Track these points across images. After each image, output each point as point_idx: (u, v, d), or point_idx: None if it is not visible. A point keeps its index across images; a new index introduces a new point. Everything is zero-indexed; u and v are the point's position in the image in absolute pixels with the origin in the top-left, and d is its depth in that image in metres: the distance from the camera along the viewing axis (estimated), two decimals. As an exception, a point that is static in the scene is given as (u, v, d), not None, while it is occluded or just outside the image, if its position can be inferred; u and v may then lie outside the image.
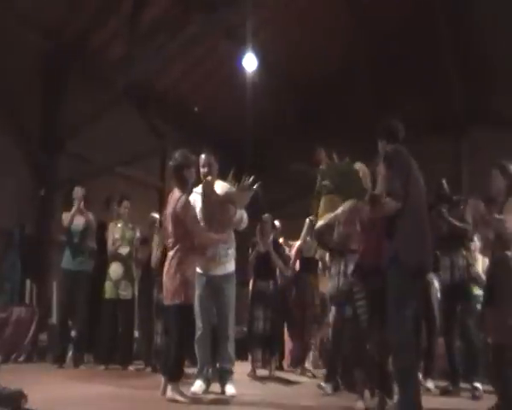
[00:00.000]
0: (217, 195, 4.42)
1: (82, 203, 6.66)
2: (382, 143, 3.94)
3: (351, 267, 4.61)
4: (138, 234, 6.89)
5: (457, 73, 10.07)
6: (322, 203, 4.29)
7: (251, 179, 4.44)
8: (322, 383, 5.01)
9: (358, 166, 4.30)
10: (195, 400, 4.24)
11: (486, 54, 9.92)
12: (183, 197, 4.20)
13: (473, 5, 9.92)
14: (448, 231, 5.39)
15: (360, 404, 4.03)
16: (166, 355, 4.39)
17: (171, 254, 4.24)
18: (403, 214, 3.53)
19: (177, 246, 4.19)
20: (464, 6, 9.97)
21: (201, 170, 4.73)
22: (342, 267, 4.93)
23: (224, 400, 4.40)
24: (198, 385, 4.56)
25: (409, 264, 3.48)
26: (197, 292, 4.44)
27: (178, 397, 4.07)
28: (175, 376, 4.14)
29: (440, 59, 9.98)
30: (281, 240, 7.22)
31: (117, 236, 6.70)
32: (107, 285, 6.58)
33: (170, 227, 4.25)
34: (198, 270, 4.49)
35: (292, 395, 5.10)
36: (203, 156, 4.79)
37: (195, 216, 4.29)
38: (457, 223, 5.37)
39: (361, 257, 4.12)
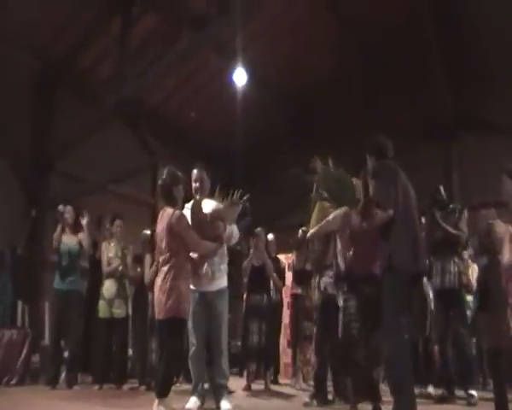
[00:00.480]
0: (205, 214, 4.39)
1: (68, 222, 6.58)
2: (371, 159, 3.97)
3: (324, 281, 4.95)
4: (129, 255, 6.83)
5: (447, 80, 10.11)
6: (314, 212, 4.29)
7: (238, 194, 4.42)
8: (307, 399, 5.04)
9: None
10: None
11: (476, 61, 9.98)
12: (177, 211, 4.21)
13: (463, 13, 10.02)
14: (441, 236, 5.42)
15: None
16: (157, 371, 4.32)
17: (165, 269, 4.16)
18: (394, 222, 3.56)
19: (172, 260, 4.14)
20: (454, 14, 10.07)
21: (193, 185, 4.71)
22: (317, 282, 5.13)
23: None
24: (193, 402, 4.51)
25: (403, 271, 3.50)
26: (190, 308, 4.40)
27: None
28: (162, 391, 4.04)
29: (430, 67, 10.02)
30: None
31: (111, 254, 6.66)
32: (101, 304, 6.51)
33: (163, 243, 4.19)
34: (191, 286, 4.44)
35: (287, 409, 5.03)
36: (195, 172, 4.77)
37: (190, 226, 4.25)
38: (451, 229, 5.38)
39: (351, 265, 4.11)
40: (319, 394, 5.00)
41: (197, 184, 4.70)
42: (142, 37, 9.12)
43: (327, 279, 4.98)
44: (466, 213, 5.56)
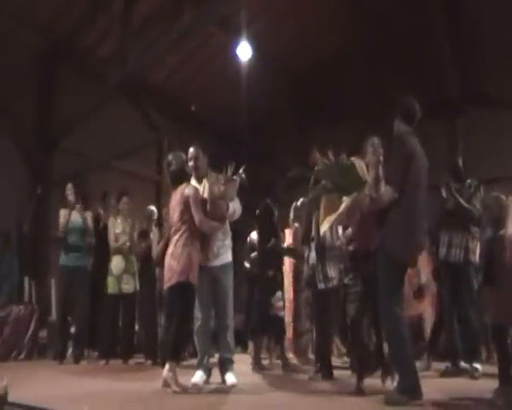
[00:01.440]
0: (204, 199, 4.49)
1: (75, 199, 6.60)
2: (397, 121, 3.91)
3: (312, 255, 5.13)
4: (135, 228, 6.87)
5: (452, 55, 10.00)
6: (322, 207, 4.29)
7: (232, 168, 4.49)
8: (312, 374, 5.12)
9: (353, 160, 4.32)
10: (194, 390, 4.23)
11: (482, 36, 9.85)
12: (191, 185, 4.46)
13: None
14: (453, 208, 5.37)
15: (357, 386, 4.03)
16: (166, 337, 4.41)
17: (176, 237, 4.37)
18: (395, 206, 3.60)
19: (184, 227, 4.34)
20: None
21: (189, 163, 4.72)
22: (306, 256, 5.28)
23: (223, 389, 4.37)
24: (199, 376, 4.55)
25: (392, 255, 3.58)
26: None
27: (173, 384, 4.05)
28: (173, 355, 4.15)
29: (435, 42, 9.91)
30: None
31: (118, 231, 6.70)
32: (110, 280, 6.57)
33: (176, 214, 4.39)
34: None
35: (294, 384, 5.07)
36: (191, 150, 4.78)
37: (200, 202, 4.40)
38: (463, 202, 5.34)
39: (354, 245, 4.13)
40: (322, 369, 5.04)
41: (193, 163, 4.72)
42: (144, 13, 9.03)
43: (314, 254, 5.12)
44: (482, 190, 5.51)
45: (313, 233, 5.16)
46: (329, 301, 5.13)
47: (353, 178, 3.77)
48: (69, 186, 6.64)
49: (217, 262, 4.64)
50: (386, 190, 3.68)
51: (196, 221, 4.33)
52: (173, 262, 4.30)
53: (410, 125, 3.86)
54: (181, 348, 4.19)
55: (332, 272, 5.09)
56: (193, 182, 4.67)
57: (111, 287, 6.56)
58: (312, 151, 4.95)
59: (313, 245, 5.16)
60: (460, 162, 5.73)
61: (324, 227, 4.11)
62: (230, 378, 4.52)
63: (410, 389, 3.41)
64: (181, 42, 9.01)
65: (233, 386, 4.43)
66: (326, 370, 5.04)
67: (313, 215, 5.09)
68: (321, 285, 5.09)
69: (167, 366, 4.11)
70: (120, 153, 9.48)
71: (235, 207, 4.65)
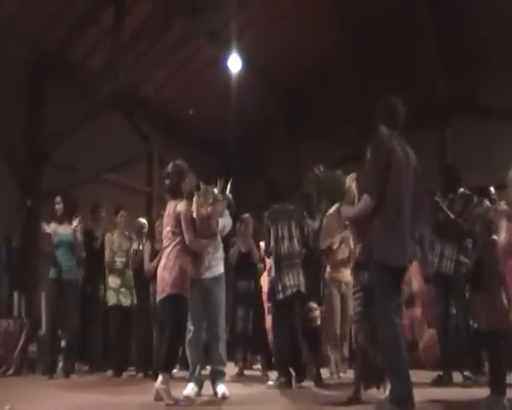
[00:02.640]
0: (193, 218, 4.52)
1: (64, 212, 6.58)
2: (381, 127, 3.80)
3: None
4: (135, 245, 6.86)
5: (441, 64, 10.11)
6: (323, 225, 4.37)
7: (221, 185, 4.61)
8: (271, 382, 5.25)
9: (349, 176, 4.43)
10: (186, 402, 4.21)
11: (471, 45, 9.97)
12: (183, 202, 4.44)
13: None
14: (444, 220, 5.40)
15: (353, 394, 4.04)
16: (159, 348, 4.53)
17: (168, 249, 4.40)
18: (378, 212, 3.54)
19: (176, 240, 4.35)
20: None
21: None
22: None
23: (215, 401, 4.35)
24: (190, 388, 4.53)
25: (382, 262, 3.52)
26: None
27: (165, 397, 4.02)
28: (166, 366, 4.14)
29: (424, 51, 10.01)
30: None
31: (115, 248, 6.76)
32: (109, 294, 6.68)
33: (168, 228, 4.43)
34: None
35: (286, 395, 5.05)
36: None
37: (191, 220, 4.44)
38: (451, 215, 5.36)
39: (359, 253, 4.15)
40: (281, 377, 5.15)
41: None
42: (134, 26, 9.06)
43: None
44: (474, 200, 5.38)
45: (271, 245, 5.31)
46: (289, 310, 5.22)
47: (335, 188, 3.78)
48: (58, 199, 6.61)
49: (208, 274, 4.67)
50: (362, 199, 3.63)
51: (186, 240, 4.35)
52: (165, 274, 4.31)
53: (393, 129, 3.76)
54: (174, 361, 4.15)
55: (291, 280, 5.19)
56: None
57: (111, 299, 6.66)
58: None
59: (272, 258, 5.33)
60: (453, 171, 5.72)
61: (324, 244, 4.18)
62: (222, 390, 4.49)
63: (403, 399, 3.33)
64: (171, 54, 9.06)
65: (225, 398, 4.41)
66: (286, 378, 5.11)
67: (271, 228, 5.32)
68: (279, 295, 5.20)
69: (160, 379, 4.08)
70: (111, 165, 9.45)
71: (224, 222, 4.76)
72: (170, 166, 4.55)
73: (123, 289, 6.67)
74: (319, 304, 5.66)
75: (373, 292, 3.60)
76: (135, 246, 6.84)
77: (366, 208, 3.59)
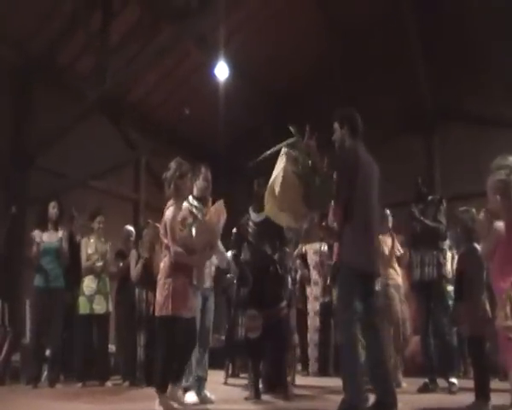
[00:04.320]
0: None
1: (53, 219, 6.49)
2: (342, 131, 3.88)
3: None
4: (108, 248, 6.78)
5: (428, 70, 10.18)
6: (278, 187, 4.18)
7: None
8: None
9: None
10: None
11: (457, 51, 10.04)
12: (172, 207, 4.07)
13: (443, 2, 10.10)
14: (420, 229, 5.47)
15: None
16: (150, 367, 4.48)
17: (161, 265, 4.13)
18: (347, 220, 3.60)
19: (167, 255, 4.02)
20: (434, 3, 10.14)
21: (203, 183, 4.73)
22: None
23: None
24: (191, 395, 4.48)
25: (351, 267, 3.57)
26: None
27: (173, 405, 3.91)
28: (161, 387, 3.96)
29: (411, 57, 10.07)
30: None
31: (90, 251, 6.61)
32: (81, 301, 6.46)
33: (163, 239, 4.11)
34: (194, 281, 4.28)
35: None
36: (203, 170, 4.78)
37: (175, 229, 4.00)
38: (429, 222, 5.44)
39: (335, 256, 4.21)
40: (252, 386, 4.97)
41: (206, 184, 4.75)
42: (122, 31, 9.01)
43: None
44: (444, 203, 5.60)
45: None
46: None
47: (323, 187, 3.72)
48: (53, 204, 6.51)
49: (208, 283, 4.71)
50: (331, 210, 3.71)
51: (171, 253, 3.96)
52: (157, 293, 4.04)
53: (355, 138, 3.83)
54: (168, 379, 3.97)
55: None
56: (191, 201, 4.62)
57: (82, 307, 6.44)
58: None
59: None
60: (420, 181, 5.77)
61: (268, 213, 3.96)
62: (207, 396, 4.55)
63: (354, 406, 3.35)
64: (159, 59, 9.01)
65: (212, 402, 4.49)
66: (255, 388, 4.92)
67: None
68: None
69: (158, 401, 3.87)
70: (97, 171, 9.38)
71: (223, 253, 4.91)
72: (172, 163, 4.23)
73: (97, 296, 6.46)
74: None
75: (337, 295, 3.66)
76: (108, 248, 6.74)
77: (337, 216, 3.66)
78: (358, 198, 3.60)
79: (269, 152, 4.04)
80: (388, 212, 6.11)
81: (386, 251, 5.91)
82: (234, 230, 5.28)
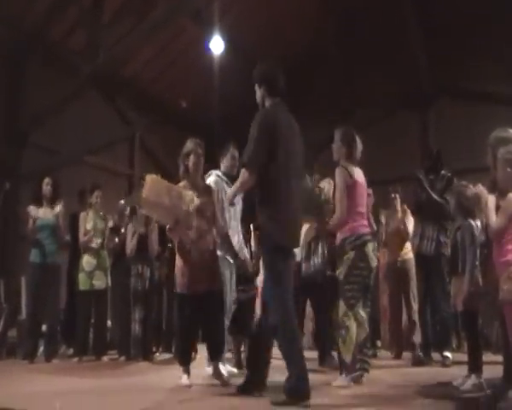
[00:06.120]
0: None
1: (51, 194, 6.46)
2: (261, 91, 3.56)
3: None
4: (111, 224, 6.77)
5: (423, 47, 10.13)
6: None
7: None
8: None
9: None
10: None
11: (453, 28, 9.98)
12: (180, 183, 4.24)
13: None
14: (425, 199, 5.42)
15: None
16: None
17: None
18: (264, 191, 3.34)
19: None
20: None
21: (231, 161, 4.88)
22: None
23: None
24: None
25: (271, 242, 3.33)
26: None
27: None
28: (179, 362, 4.22)
29: (407, 34, 10.01)
30: None
31: (89, 227, 6.58)
32: (81, 277, 6.50)
33: None
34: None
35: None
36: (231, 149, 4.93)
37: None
38: (435, 196, 5.38)
39: None
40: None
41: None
42: (116, 5, 8.88)
43: None
44: (455, 181, 5.43)
45: None
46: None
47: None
48: (47, 181, 6.47)
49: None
50: (242, 172, 3.35)
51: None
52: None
53: (275, 97, 3.50)
54: (183, 354, 4.20)
55: None
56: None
57: (82, 283, 6.48)
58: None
59: None
60: (435, 152, 5.73)
61: None
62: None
63: (297, 388, 3.18)
64: (153, 34, 8.89)
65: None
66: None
67: None
68: None
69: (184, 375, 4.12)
70: (92, 147, 9.33)
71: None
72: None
73: (97, 272, 6.49)
74: None
75: (267, 278, 3.41)
76: (110, 224, 6.74)
77: (245, 183, 3.35)
78: (276, 167, 3.28)
79: None
80: (371, 191, 6.10)
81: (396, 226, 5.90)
82: None
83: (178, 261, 4.16)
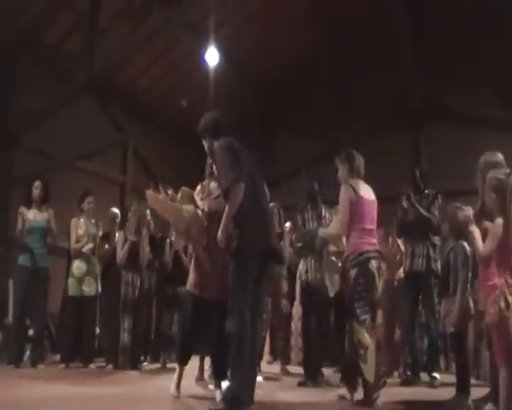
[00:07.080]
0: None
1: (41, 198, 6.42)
2: (207, 141, 3.94)
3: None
4: (101, 232, 6.74)
5: (417, 68, 10.28)
6: None
7: None
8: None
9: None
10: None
11: (446, 51, 10.13)
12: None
13: (431, 3, 10.15)
14: (414, 218, 5.46)
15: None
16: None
17: None
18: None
19: None
20: (423, 2, 10.17)
21: None
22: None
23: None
24: None
25: (241, 247, 3.48)
26: None
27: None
28: (179, 360, 4.22)
29: (400, 55, 10.15)
30: None
31: (80, 232, 6.53)
32: (70, 282, 6.44)
33: None
34: None
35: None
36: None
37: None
38: (423, 211, 5.44)
39: None
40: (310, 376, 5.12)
41: None
42: (112, 11, 8.90)
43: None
44: (440, 199, 5.56)
45: None
46: None
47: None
48: (37, 184, 6.43)
49: None
50: (234, 189, 3.50)
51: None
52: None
53: (226, 136, 3.76)
54: (184, 354, 4.18)
55: None
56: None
57: (71, 289, 6.41)
58: None
59: None
60: (418, 174, 5.80)
61: None
62: None
63: (234, 397, 3.29)
64: (149, 43, 8.93)
65: None
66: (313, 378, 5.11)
67: None
68: None
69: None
70: (84, 152, 9.30)
71: None
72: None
73: (87, 278, 6.42)
74: None
75: (231, 284, 3.51)
76: (100, 233, 6.72)
77: (237, 198, 3.48)
78: (245, 178, 3.52)
79: None
80: None
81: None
82: None
83: (193, 261, 4.23)
